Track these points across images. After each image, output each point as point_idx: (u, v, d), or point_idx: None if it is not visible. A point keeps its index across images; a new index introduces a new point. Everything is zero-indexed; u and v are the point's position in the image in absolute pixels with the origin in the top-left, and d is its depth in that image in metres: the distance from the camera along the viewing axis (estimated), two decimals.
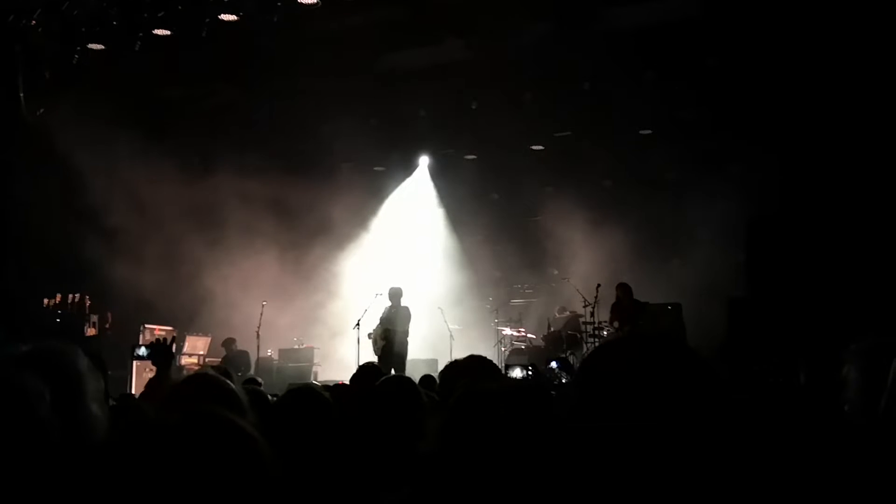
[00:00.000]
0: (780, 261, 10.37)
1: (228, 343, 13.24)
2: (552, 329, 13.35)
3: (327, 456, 2.89)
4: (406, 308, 12.01)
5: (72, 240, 12.66)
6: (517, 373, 10.11)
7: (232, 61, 12.54)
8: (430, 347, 13.03)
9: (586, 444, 1.39)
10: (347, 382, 7.55)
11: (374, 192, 16.02)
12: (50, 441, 1.48)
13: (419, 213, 16.16)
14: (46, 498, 1.38)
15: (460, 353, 6.30)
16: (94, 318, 14.31)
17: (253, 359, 13.15)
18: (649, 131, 13.57)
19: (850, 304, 8.73)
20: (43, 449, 1.47)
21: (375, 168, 16.03)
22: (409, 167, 16.08)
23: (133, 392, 9.59)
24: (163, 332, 12.42)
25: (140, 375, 11.86)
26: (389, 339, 11.70)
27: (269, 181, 13.54)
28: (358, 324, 11.93)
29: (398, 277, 12.93)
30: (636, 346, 1.51)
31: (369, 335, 11.89)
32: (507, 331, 14.15)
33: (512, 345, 13.80)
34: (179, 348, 13.36)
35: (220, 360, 12.69)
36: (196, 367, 12.33)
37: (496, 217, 15.74)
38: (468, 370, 3.42)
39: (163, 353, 4.32)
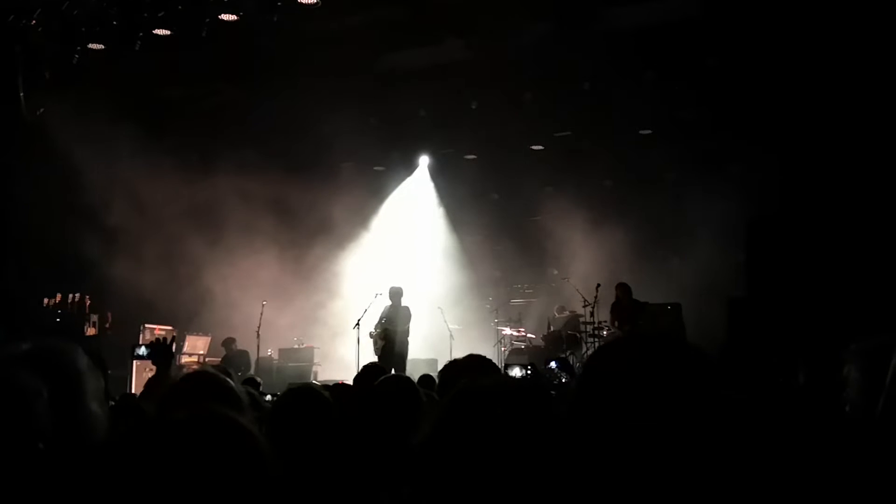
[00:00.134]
0: (780, 261, 10.36)
1: (228, 343, 13.25)
2: (552, 329, 13.36)
3: (326, 455, 2.89)
4: (406, 308, 12.02)
5: (72, 239, 12.66)
6: (516, 372, 10.11)
7: (232, 61, 12.53)
8: (430, 347, 13.05)
9: (585, 442, 1.39)
10: (347, 382, 7.57)
11: (374, 192, 16.03)
12: (46, 439, 1.48)
13: (419, 212, 16.17)
14: (43, 496, 1.38)
15: (460, 353, 6.29)
16: (94, 317, 14.32)
17: (253, 358, 13.16)
18: (649, 131, 13.57)
19: (850, 304, 8.73)
20: (39, 446, 1.47)
21: (375, 168, 16.03)
22: (409, 167, 16.08)
23: (133, 392, 9.59)
24: (163, 332, 12.42)
25: (140, 375, 11.86)
26: (390, 338, 11.71)
27: (268, 181, 13.54)
28: (358, 323, 11.93)
29: (398, 277, 12.94)
30: (640, 345, 1.51)
31: (371, 334, 11.89)
32: (507, 330, 14.16)
33: (512, 344, 13.81)
34: (179, 348, 13.36)
35: (219, 359, 12.70)
36: (196, 367, 12.32)
37: (496, 217, 15.74)
38: (467, 369, 3.42)
39: (163, 353, 4.32)
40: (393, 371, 9.72)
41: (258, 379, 8.17)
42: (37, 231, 12.83)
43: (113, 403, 3.82)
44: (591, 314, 12.41)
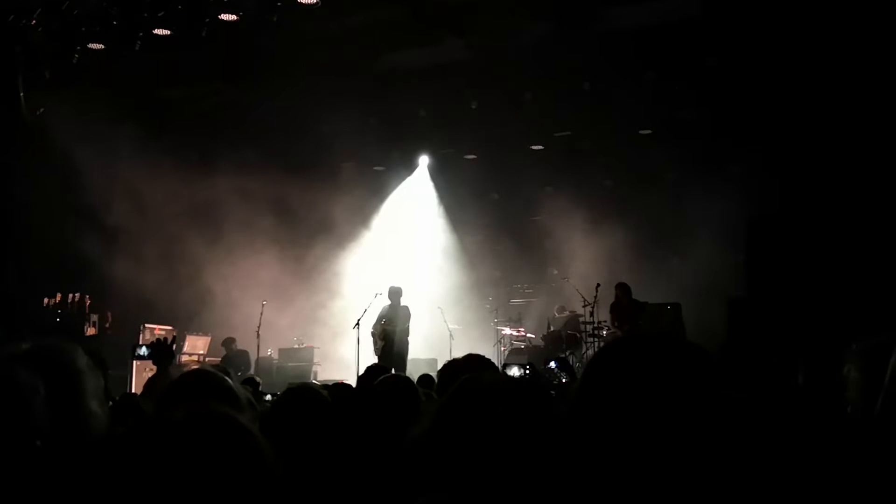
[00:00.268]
0: (779, 261, 10.35)
1: (228, 342, 13.25)
2: (552, 329, 13.36)
3: (325, 454, 2.90)
4: (406, 307, 12.02)
5: (72, 239, 12.66)
6: (514, 372, 10.10)
7: (232, 61, 12.54)
8: (430, 347, 13.05)
9: (586, 442, 1.39)
10: (347, 382, 7.58)
11: (375, 192, 16.03)
12: (44, 436, 1.48)
13: (419, 212, 16.17)
14: (41, 493, 1.38)
15: (460, 353, 6.30)
16: (94, 317, 14.31)
17: (253, 358, 13.16)
18: (649, 131, 13.57)
19: (850, 304, 8.73)
20: (37, 444, 1.47)
21: (375, 168, 16.03)
22: (409, 167, 16.08)
23: (133, 391, 9.59)
24: (163, 332, 12.42)
25: (140, 375, 11.85)
26: (389, 338, 11.72)
27: (268, 180, 13.55)
28: (358, 323, 11.93)
29: (398, 277, 12.94)
30: (642, 346, 1.51)
31: (373, 333, 11.90)
32: (507, 330, 14.16)
33: (511, 344, 13.81)
34: (179, 348, 13.36)
35: (219, 359, 12.70)
36: (195, 367, 12.31)
37: (496, 217, 15.74)
38: (466, 369, 3.42)
39: (163, 353, 4.33)
40: (393, 371, 9.74)
41: (258, 379, 8.16)
42: (37, 231, 12.84)
43: (111, 404, 3.81)
44: (591, 314, 12.41)
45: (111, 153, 12.79)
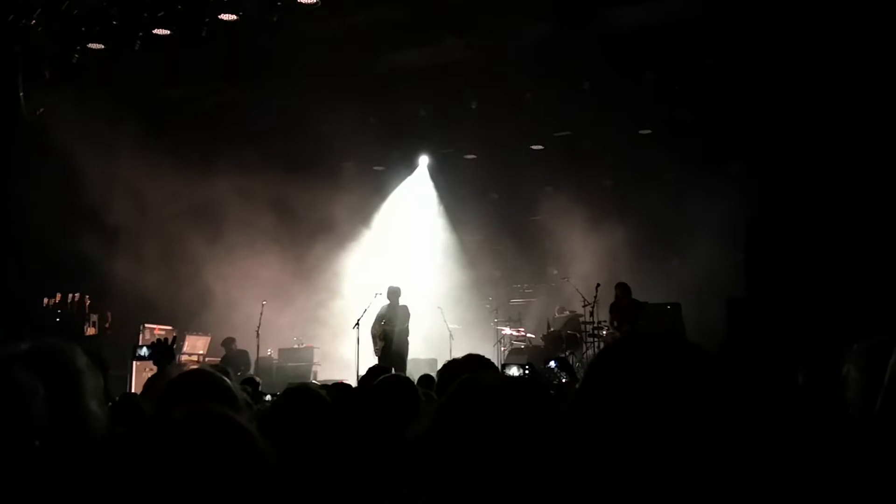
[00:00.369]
0: (779, 261, 10.36)
1: (228, 342, 13.24)
2: (552, 329, 13.36)
3: (323, 454, 2.89)
4: (404, 307, 12.02)
5: (72, 239, 12.66)
6: (513, 371, 10.10)
7: (232, 61, 12.54)
8: (430, 347, 13.05)
9: (588, 442, 1.39)
10: (347, 382, 7.58)
11: (374, 192, 16.03)
12: (43, 436, 1.48)
13: (419, 212, 16.16)
14: (40, 493, 1.38)
15: (460, 353, 6.30)
16: (94, 317, 14.31)
17: (252, 358, 13.16)
18: (649, 131, 13.57)
19: (850, 304, 8.73)
20: (35, 444, 1.47)
21: (375, 167, 16.03)
22: (408, 167, 16.08)
23: (133, 391, 9.59)
24: (163, 332, 12.42)
25: (140, 375, 11.85)
26: (389, 338, 11.71)
27: (268, 180, 13.55)
28: (357, 323, 11.93)
29: (398, 277, 12.94)
30: (645, 346, 1.51)
31: (373, 335, 11.90)
32: (507, 330, 14.16)
33: (511, 344, 13.81)
34: (179, 347, 13.36)
35: (219, 359, 12.70)
36: (194, 367, 12.31)
37: (496, 217, 15.74)
38: (466, 369, 3.42)
39: (164, 353, 4.33)
40: (393, 371, 9.74)
41: (258, 378, 8.16)
42: (37, 231, 12.83)
43: (111, 404, 3.81)
44: (591, 314, 12.41)
45: (111, 153, 12.80)
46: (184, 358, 13.35)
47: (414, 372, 9.73)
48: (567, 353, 12.30)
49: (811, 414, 2.81)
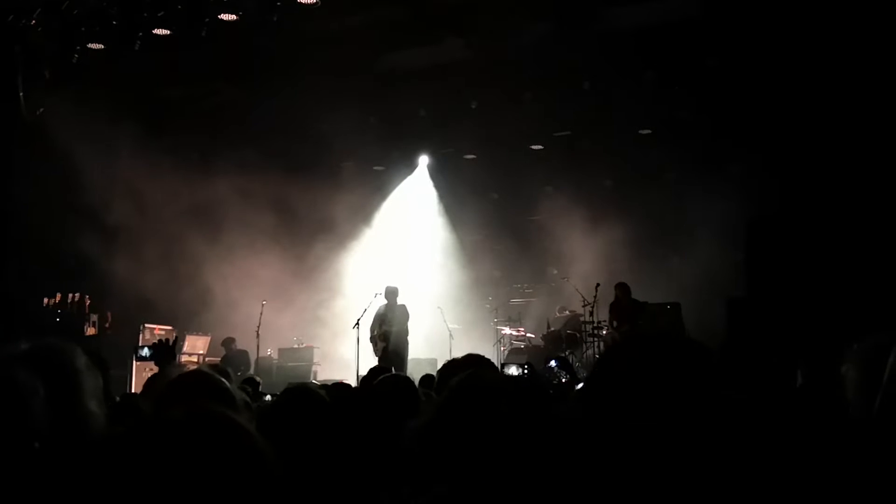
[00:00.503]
0: (779, 261, 10.36)
1: (228, 342, 13.24)
2: (551, 328, 13.35)
3: (323, 454, 2.89)
4: (403, 306, 12.01)
5: (72, 239, 12.66)
6: (513, 371, 10.10)
7: (232, 61, 12.54)
8: (430, 347, 13.05)
9: (595, 440, 1.40)
10: (347, 382, 7.58)
11: (374, 192, 16.03)
12: (42, 437, 1.48)
13: (419, 212, 16.16)
14: (39, 494, 1.38)
15: (460, 353, 6.30)
16: (94, 317, 14.31)
17: (252, 358, 13.16)
18: (649, 131, 13.57)
19: (849, 304, 8.73)
20: (35, 445, 1.47)
21: (375, 167, 16.03)
22: (408, 166, 16.08)
23: (133, 391, 9.59)
24: (163, 332, 12.43)
25: (140, 375, 11.85)
26: (388, 339, 11.71)
27: (268, 180, 13.55)
28: (357, 323, 11.94)
29: (398, 277, 12.94)
30: (653, 346, 1.51)
31: (372, 338, 11.89)
32: (507, 330, 14.15)
33: (511, 344, 13.80)
34: (179, 348, 13.35)
35: (219, 359, 12.70)
36: (193, 367, 12.31)
37: (496, 217, 15.73)
38: (466, 368, 3.41)
39: (165, 353, 4.33)
40: (393, 370, 9.74)
41: (258, 378, 8.16)
42: (37, 231, 12.83)
43: (111, 404, 3.81)
44: (591, 314, 12.41)
45: (111, 153, 12.80)
46: (184, 358, 13.35)
47: (414, 372, 9.73)
48: (567, 353, 12.29)
49: (810, 414, 2.81)
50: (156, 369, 4.57)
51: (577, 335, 12.87)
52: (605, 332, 12.24)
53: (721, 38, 11.32)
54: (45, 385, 1.55)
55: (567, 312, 13.96)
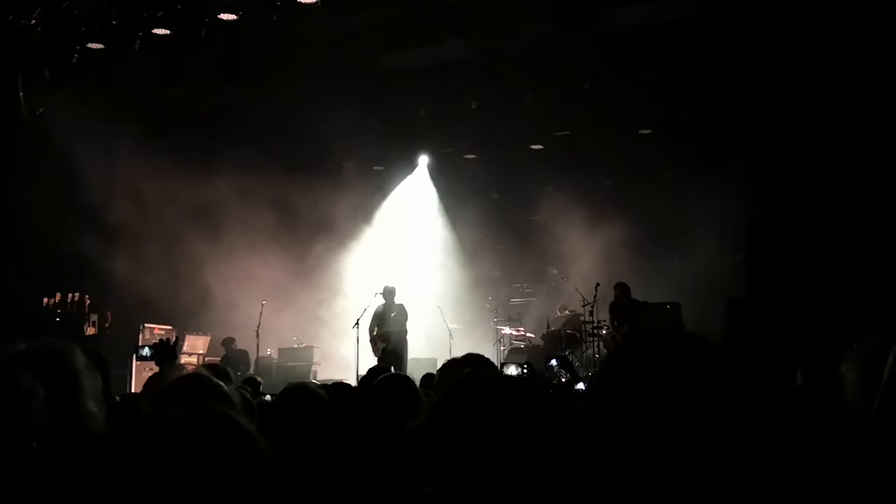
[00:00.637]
0: (780, 261, 10.36)
1: (228, 342, 13.24)
2: (551, 328, 13.35)
3: (323, 454, 2.89)
4: (401, 305, 12.02)
5: (72, 239, 12.66)
6: (512, 370, 10.10)
7: (231, 61, 12.54)
8: (430, 347, 13.05)
9: (606, 441, 1.40)
10: (347, 381, 7.57)
11: (374, 192, 16.03)
12: (41, 438, 1.48)
13: (418, 212, 16.17)
14: (37, 494, 1.38)
15: (460, 352, 6.29)
16: (94, 317, 14.31)
17: (252, 358, 13.16)
18: (649, 131, 13.57)
19: (849, 304, 8.73)
20: (33, 446, 1.47)
21: (375, 167, 16.03)
22: (408, 166, 16.08)
23: (133, 391, 9.59)
24: (163, 332, 12.43)
25: (140, 375, 11.86)
26: (387, 339, 11.72)
27: (268, 180, 13.55)
28: (357, 323, 11.94)
29: (397, 277, 12.95)
30: (665, 345, 1.51)
31: (372, 339, 11.89)
32: (507, 330, 14.15)
33: (511, 344, 13.80)
34: (179, 347, 13.35)
35: (219, 359, 12.70)
36: (194, 367, 12.32)
37: (496, 216, 15.74)
38: (466, 368, 3.42)
39: (166, 353, 4.33)
40: (392, 370, 9.73)
41: (258, 378, 8.16)
42: (37, 231, 12.83)
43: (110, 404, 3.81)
44: (591, 313, 12.41)
45: (111, 153, 12.80)
46: (184, 358, 13.36)
47: (414, 372, 9.72)
48: (567, 353, 12.30)
49: (809, 413, 2.81)
50: (156, 369, 4.57)
51: (577, 335, 12.87)
52: (604, 332, 12.24)
53: (721, 38, 11.32)
54: (44, 385, 1.55)
55: (567, 312, 13.96)
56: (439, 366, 6.22)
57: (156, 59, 11.99)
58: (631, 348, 1.57)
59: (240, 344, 13.29)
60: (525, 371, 9.75)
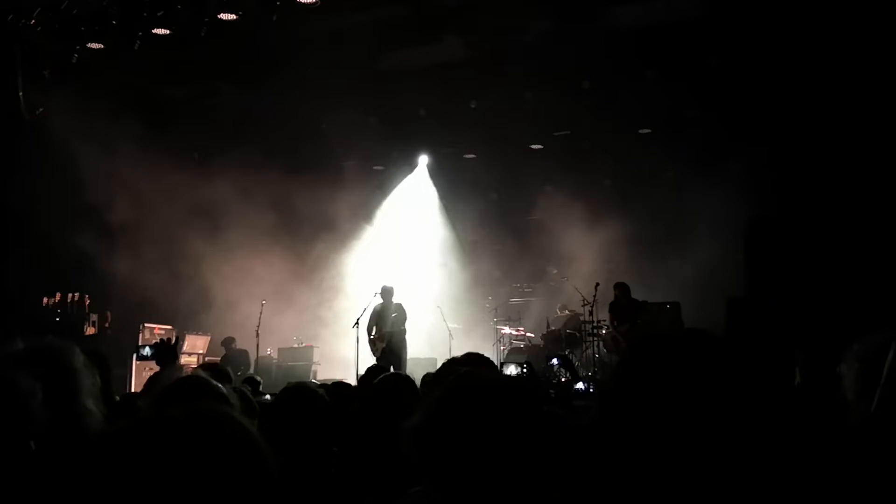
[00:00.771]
0: (780, 260, 10.36)
1: (228, 342, 13.25)
2: (551, 328, 13.35)
3: (323, 453, 2.90)
4: (399, 305, 12.02)
5: (71, 238, 12.65)
6: (511, 370, 10.11)
7: (232, 60, 12.54)
8: (430, 346, 13.06)
9: (622, 441, 1.40)
10: (347, 381, 7.57)
11: (374, 191, 16.03)
12: (39, 438, 1.48)
13: (418, 211, 16.17)
14: (35, 493, 1.38)
15: (460, 352, 6.29)
16: (94, 317, 14.30)
17: (252, 358, 13.16)
18: (649, 130, 13.57)
19: (849, 304, 8.73)
20: (31, 446, 1.48)
21: (375, 167, 16.03)
22: (408, 166, 16.09)
23: (133, 391, 9.59)
24: (163, 332, 12.44)
25: (140, 375, 11.86)
26: (386, 339, 11.72)
27: (268, 180, 13.55)
28: (357, 323, 11.94)
29: (397, 276, 12.95)
30: (683, 343, 1.51)
31: (371, 339, 11.89)
32: (507, 330, 14.15)
33: (511, 343, 13.81)
34: (179, 347, 13.33)
35: (219, 358, 12.70)
36: (194, 367, 12.32)
37: (495, 216, 15.74)
38: (466, 367, 3.42)
39: (167, 353, 4.33)
40: (392, 369, 9.73)
41: (258, 378, 8.16)
42: (37, 230, 12.83)
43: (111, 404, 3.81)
44: (590, 313, 12.41)
45: (111, 152, 12.79)
46: (184, 358, 13.36)
47: (413, 372, 9.72)
48: (567, 353, 12.30)
49: (808, 413, 2.81)
50: (156, 369, 4.57)
51: (577, 335, 12.87)
52: (604, 332, 12.24)
53: (722, 38, 11.32)
54: (42, 384, 1.55)
55: (567, 312, 13.96)
56: (439, 365, 6.23)
57: (156, 59, 12.00)
58: (646, 348, 1.57)
59: (240, 344, 13.29)
60: (525, 371, 9.76)
